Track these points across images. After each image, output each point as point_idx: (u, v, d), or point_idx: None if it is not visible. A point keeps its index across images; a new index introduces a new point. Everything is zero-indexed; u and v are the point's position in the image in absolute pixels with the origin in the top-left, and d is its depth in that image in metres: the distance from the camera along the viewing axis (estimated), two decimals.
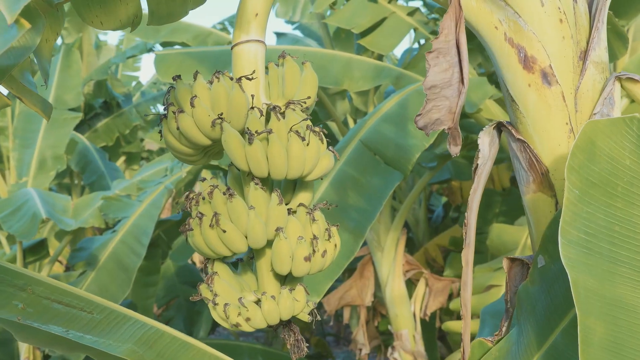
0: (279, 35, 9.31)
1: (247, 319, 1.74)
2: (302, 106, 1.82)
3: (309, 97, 1.85)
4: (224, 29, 12.48)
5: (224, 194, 1.74)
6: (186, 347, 1.78)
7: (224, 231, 1.72)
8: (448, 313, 7.40)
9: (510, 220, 7.25)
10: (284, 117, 1.75)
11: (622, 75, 1.81)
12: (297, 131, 1.73)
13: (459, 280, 6.59)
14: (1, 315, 1.58)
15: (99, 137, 11.61)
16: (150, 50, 11.39)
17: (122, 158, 12.47)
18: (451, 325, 5.46)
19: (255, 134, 1.70)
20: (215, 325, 10.01)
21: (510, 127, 1.88)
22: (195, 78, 1.82)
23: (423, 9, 6.67)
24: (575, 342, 1.72)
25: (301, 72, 1.91)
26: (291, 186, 1.90)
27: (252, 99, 1.77)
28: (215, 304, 1.77)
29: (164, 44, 7.34)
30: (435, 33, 5.98)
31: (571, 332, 1.73)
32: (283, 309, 1.76)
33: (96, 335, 1.64)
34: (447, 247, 7.93)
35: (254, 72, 1.79)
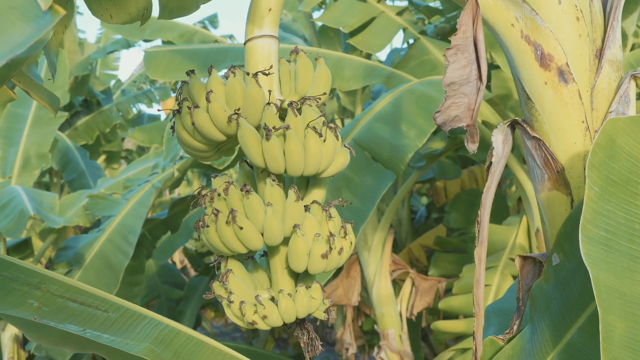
0: None
1: (264, 317, 1.72)
2: (317, 102, 1.80)
3: (324, 93, 1.83)
4: (205, 28, 12.42)
5: (241, 190, 1.72)
6: (201, 346, 1.75)
7: (241, 228, 1.69)
8: (432, 312, 7.42)
9: (493, 220, 7.28)
10: (300, 113, 1.74)
11: (638, 74, 1.81)
12: (314, 127, 1.72)
13: (446, 280, 6.61)
14: (18, 314, 1.54)
15: (79, 135, 11.50)
16: (131, 46, 11.31)
17: (103, 157, 12.35)
18: (440, 324, 5.47)
19: (273, 130, 1.68)
20: (196, 325, 9.95)
21: (525, 125, 1.87)
22: (210, 73, 1.79)
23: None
24: (592, 339, 1.73)
25: (314, 68, 1.89)
26: (304, 183, 1.88)
27: (270, 93, 1.75)
28: (231, 302, 1.75)
29: (147, 41, 7.29)
30: (424, 33, 5.99)
31: (588, 330, 1.73)
32: (300, 306, 1.74)
33: (113, 335, 1.61)
34: (431, 247, 7.95)
35: (271, 67, 1.77)
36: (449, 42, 5.29)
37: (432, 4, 6.94)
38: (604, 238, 1.57)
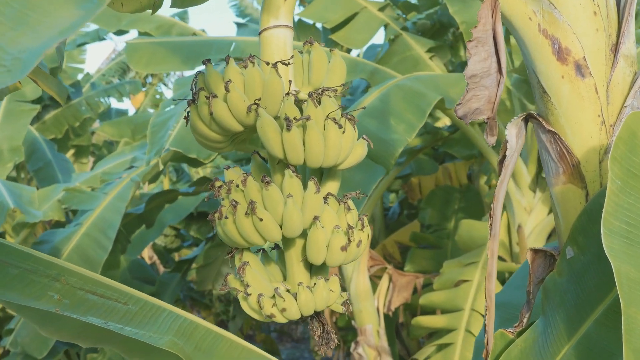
0: (239, 25, 9.22)
1: (283, 310, 1.70)
2: (335, 93, 1.79)
3: (342, 85, 1.81)
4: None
5: (262, 181, 1.70)
6: (220, 339, 1.73)
7: (261, 219, 1.67)
8: (408, 308, 7.45)
9: (469, 216, 7.35)
10: (319, 104, 1.72)
11: None
12: (334, 118, 1.70)
13: (423, 276, 6.63)
14: (39, 306, 1.51)
15: (47, 129, 11.31)
16: (101, 39, 11.16)
17: (71, 151, 12.17)
18: (422, 320, 5.48)
19: (294, 121, 1.66)
20: None
21: (540, 119, 1.88)
22: (226, 62, 1.76)
23: None
24: (609, 332, 1.74)
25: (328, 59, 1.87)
26: (318, 175, 1.87)
27: (290, 84, 1.73)
28: (248, 295, 1.72)
29: (120, 32, 7.19)
30: (405, 29, 6.00)
31: (604, 322, 1.74)
32: (319, 299, 1.73)
33: (135, 327, 1.58)
34: (405, 244, 7.99)
35: (292, 57, 1.75)
36: (431, 38, 5.32)
37: (411, 0, 6.96)
38: (625, 231, 1.58)
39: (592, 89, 1.81)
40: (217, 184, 1.81)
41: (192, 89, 1.80)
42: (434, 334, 6.74)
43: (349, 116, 1.76)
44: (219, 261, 9.25)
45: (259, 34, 1.83)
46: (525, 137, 5.57)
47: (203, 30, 14.77)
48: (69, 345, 6.38)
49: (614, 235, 1.57)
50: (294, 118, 1.67)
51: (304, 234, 1.76)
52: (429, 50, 5.68)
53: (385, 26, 5.88)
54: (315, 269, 1.83)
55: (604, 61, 1.82)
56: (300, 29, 6.78)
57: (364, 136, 1.81)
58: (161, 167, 4.86)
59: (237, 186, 1.73)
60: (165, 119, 4.88)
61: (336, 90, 1.81)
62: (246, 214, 1.68)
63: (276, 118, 1.73)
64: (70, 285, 1.57)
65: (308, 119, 1.66)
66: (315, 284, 1.74)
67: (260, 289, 1.74)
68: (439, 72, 5.49)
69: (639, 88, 1.82)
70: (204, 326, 1.72)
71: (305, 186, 1.75)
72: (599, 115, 1.82)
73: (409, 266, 7.30)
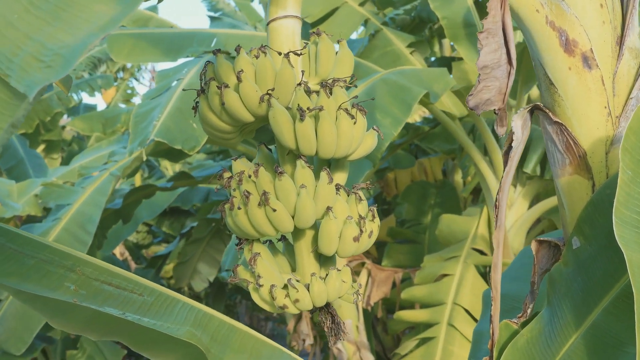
0: (213, 19, 9.17)
1: (296, 301, 1.70)
2: (345, 83, 1.78)
3: (353, 76, 1.81)
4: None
5: (275, 171, 1.69)
6: (234, 330, 1.72)
7: (274, 210, 1.66)
8: (385, 303, 7.49)
9: (445, 211, 7.40)
10: (332, 95, 1.71)
11: None
12: (346, 109, 1.70)
13: (402, 271, 6.67)
14: (57, 296, 1.48)
15: None
16: None
17: (42, 146, 12.01)
18: (403, 314, 5.51)
19: (307, 111, 1.65)
20: None
21: (546, 110, 1.89)
22: (238, 52, 1.75)
23: None
24: (618, 320, 1.76)
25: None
26: (326, 166, 1.86)
27: (302, 74, 1.72)
28: (260, 286, 1.71)
29: None
30: (386, 24, 6.01)
31: (612, 312, 1.76)
32: (331, 290, 1.72)
33: (153, 318, 1.56)
34: (382, 239, 8.02)
35: (304, 46, 1.74)
36: (411, 33, 5.32)
37: None
38: (636, 221, 1.60)
39: (598, 80, 1.83)
40: (226, 175, 1.79)
41: (201, 79, 1.78)
42: (412, 329, 6.78)
43: (359, 107, 1.75)
44: (195, 258, 9.21)
45: (267, 24, 1.82)
46: (507, 132, 5.62)
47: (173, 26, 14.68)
48: (47, 342, 6.30)
49: (626, 225, 1.59)
50: (307, 108, 1.66)
51: (314, 225, 1.75)
52: (409, 46, 5.70)
53: (366, 21, 5.88)
54: (324, 260, 1.82)
55: (610, 53, 1.84)
56: None
57: (375, 127, 1.81)
58: (144, 158, 4.81)
59: (250, 177, 1.72)
60: (149, 109, 4.84)
61: (346, 80, 1.80)
62: (259, 204, 1.67)
63: (287, 109, 1.72)
64: (86, 275, 1.55)
65: (321, 109, 1.66)
66: (327, 274, 1.74)
67: (272, 280, 1.73)
68: (420, 67, 5.51)
69: None
70: (218, 317, 1.71)
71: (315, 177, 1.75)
72: (605, 107, 1.84)
73: (386, 261, 7.33)
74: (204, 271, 9.30)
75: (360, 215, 1.75)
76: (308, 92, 1.73)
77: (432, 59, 7.52)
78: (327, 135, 1.67)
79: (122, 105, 15.92)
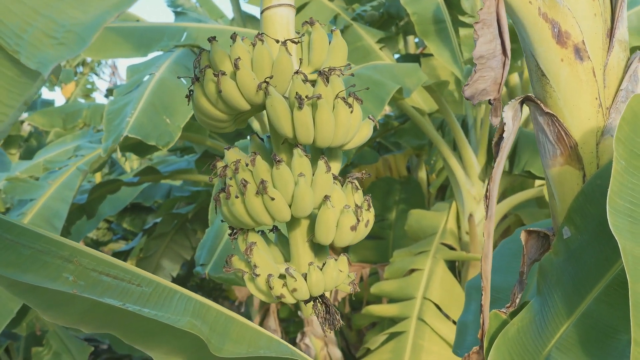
0: (177, 14, 9.09)
1: (294, 290, 1.69)
2: (341, 72, 1.78)
3: (348, 65, 1.80)
4: None
5: (273, 159, 1.67)
6: (231, 321, 1.70)
7: (273, 199, 1.65)
8: (352, 298, 7.51)
9: (410, 207, 7.44)
10: (329, 83, 1.71)
11: None
12: (343, 98, 1.69)
13: (369, 266, 6.69)
14: (56, 287, 1.44)
15: None
16: None
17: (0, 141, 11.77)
18: (372, 309, 5.52)
19: (305, 99, 1.64)
20: None
21: (538, 101, 1.91)
22: (233, 40, 1.72)
23: None
24: (611, 308, 1.78)
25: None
26: (319, 155, 1.85)
27: (300, 62, 1.71)
28: (256, 275, 1.70)
29: None
30: (355, 19, 6.02)
31: (604, 300, 1.79)
32: (329, 279, 1.72)
33: (152, 309, 1.54)
34: None
35: (302, 35, 1.73)
36: (380, 29, 5.34)
37: None
38: (629, 210, 1.62)
39: (590, 72, 1.85)
40: (220, 164, 1.77)
41: (195, 67, 1.76)
42: (375, 324, 6.81)
43: (356, 96, 1.75)
44: (158, 254, 9.11)
45: (261, 13, 1.80)
46: (476, 128, 5.66)
47: (138, 20, 14.57)
48: (11, 339, 6.18)
49: (619, 214, 1.61)
50: (306, 96, 1.65)
51: (309, 215, 1.74)
52: (378, 41, 5.71)
53: (336, 16, 5.88)
54: (317, 250, 1.81)
55: (600, 45, 1.87)
56: (248, 18, 6.72)
57: (370, 116, 1.81)
58: (119, 155, 4.74)
59: (247, 165, 1.70)
60: (122, 105, 4.77)
61: (341, 69, 1.80)
62: (257, 193, 1.66)
63: (283, 97, 1.71)
64: (83, 266, 1.52)
65: (319, 97, 1.65)
66: (324, 263, 1.73)
67: (269, 270, 1.71)
68: (390, 62, 5.53)
69: (633, 72, 1.87)
70: (215, 308, 1.69)
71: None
72: (596, 98, 1.86)
73: (352, 256, 7.35)
74: (168, 267, 9.21)
75: (356, 205, 1.75)
76: (305, 80, 1.72)
77: (397, 56, 7.56)
78: (325, 123, 1.66)
79: (82, 101, 15.67)
